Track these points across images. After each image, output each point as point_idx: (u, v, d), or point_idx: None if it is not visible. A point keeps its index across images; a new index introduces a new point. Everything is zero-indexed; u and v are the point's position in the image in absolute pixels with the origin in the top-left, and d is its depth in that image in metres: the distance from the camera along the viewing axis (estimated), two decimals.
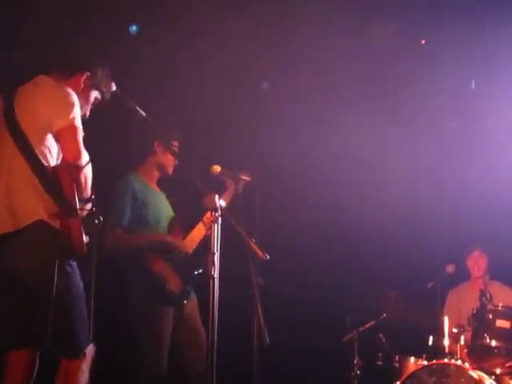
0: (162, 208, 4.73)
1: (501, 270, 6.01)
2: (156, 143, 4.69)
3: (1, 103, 3.27)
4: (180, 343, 4.55)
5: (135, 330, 4.48)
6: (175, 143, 4.62)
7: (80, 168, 3.10)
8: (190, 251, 4.61)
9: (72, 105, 3.17)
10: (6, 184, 3.13)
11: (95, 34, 5.00)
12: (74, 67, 3.40)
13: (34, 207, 3.07)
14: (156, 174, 4.77)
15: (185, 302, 4.54)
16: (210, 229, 4.46)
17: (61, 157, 3.22)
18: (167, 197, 4.80)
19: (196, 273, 4.59)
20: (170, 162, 4.73)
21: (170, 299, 4.48)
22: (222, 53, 5.64)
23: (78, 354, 3.14)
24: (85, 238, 3.10)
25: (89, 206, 3.15)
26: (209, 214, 4.50)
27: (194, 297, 4.65)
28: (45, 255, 3.02)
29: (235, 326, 4.83)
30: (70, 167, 3.10)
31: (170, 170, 4.78)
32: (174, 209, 4.79)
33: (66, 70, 3.37)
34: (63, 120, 3.13)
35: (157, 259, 4.48)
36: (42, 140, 3.17)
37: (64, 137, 3.13)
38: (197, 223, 4.70)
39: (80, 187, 3.10)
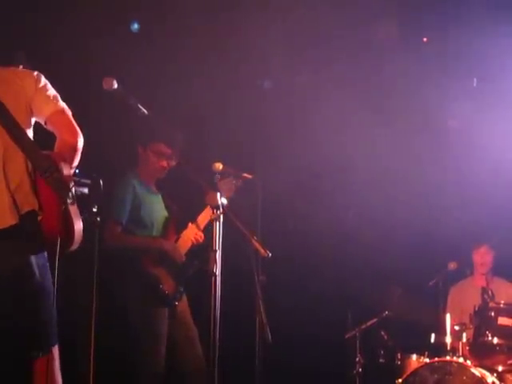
0: (157, 209, 4.69)
1: (502, 265, 6.01)
2: (148, 146, 4.61)
3: None
4: (175, 342, 4.55)
5: (133, 331, 4.47)
6: (167, 149, 4.53)
7: (79, 149, 3.05)
8: (184, 252, 4.60)
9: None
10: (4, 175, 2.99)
11: (96, 30, 5.00)
12: None
13: (32, 198, 2.98)
14: (153, 175, 4.70)
15: (176, 303, 4.54)
16: (202, 229, 4.50)
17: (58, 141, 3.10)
18: (163, 197, 4.77)
19: (188, 274, 4.59)
20: (158, 166, 4.62)
21: (164, 300, 4.48)
22: (225, 50, 5.64)
23: (48, 350, 3.03)
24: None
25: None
26: (202, 214, 4.50)
27: (184, 295, 4.65)
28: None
29: (237, 324, 4.84)
30: (69, 150, 3.04)
31: (160, 174, 4.68)
32: (168, 209, 4.75)
33: None
34: (55, 104, 3.08)
35: (152, 260, 4.48)
36: (29, 124, 3.08)
37: (63, 117, 3.08)
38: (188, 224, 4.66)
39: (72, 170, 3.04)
